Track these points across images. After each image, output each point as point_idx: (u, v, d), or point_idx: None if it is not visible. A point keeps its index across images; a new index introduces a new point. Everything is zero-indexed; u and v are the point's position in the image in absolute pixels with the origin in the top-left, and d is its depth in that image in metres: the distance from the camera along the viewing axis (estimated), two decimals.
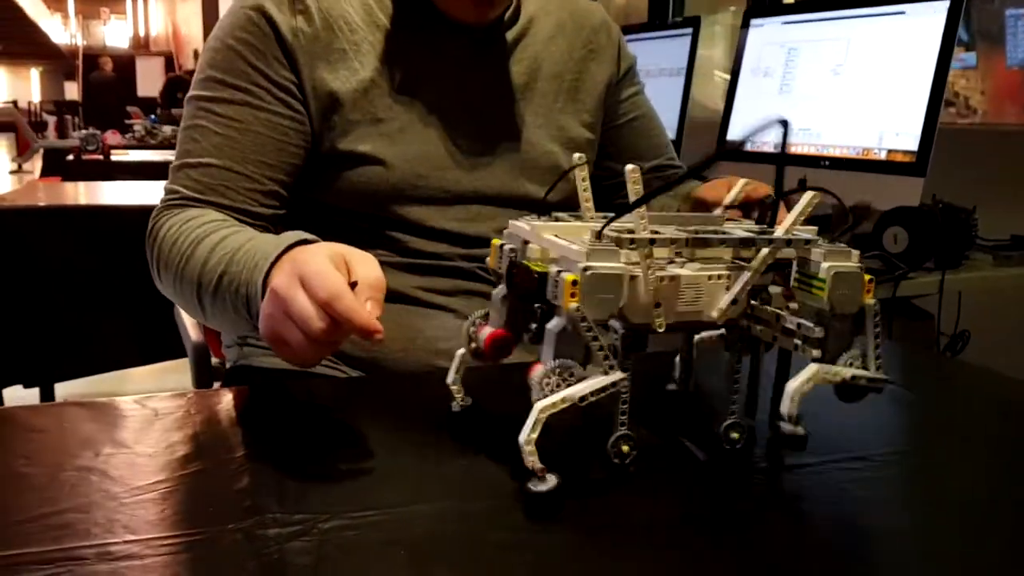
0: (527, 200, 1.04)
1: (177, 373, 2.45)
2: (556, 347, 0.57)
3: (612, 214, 0.58)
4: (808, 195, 0.62)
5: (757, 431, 0.68)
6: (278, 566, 0.49)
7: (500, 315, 0.64)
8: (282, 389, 0.85)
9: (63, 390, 2.77)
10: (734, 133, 1.84)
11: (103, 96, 15.47)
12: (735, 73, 1.85)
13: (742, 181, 0.82)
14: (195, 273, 0.86)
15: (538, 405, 0.55)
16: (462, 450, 0.66)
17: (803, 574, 0.52)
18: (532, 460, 0.55)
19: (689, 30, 2.04)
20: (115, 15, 25.76)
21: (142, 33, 25.10)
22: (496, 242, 0.66)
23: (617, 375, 0.57)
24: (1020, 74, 2.07)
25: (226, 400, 0.78)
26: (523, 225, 0.64)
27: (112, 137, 4.06)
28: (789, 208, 0.64)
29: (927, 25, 1.48)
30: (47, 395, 2.55)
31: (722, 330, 0.65)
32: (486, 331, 0.64)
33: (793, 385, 0.61)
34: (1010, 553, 0.55)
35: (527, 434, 0.55)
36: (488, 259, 0.67)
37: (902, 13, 1.54)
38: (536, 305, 0.59)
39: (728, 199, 0.79)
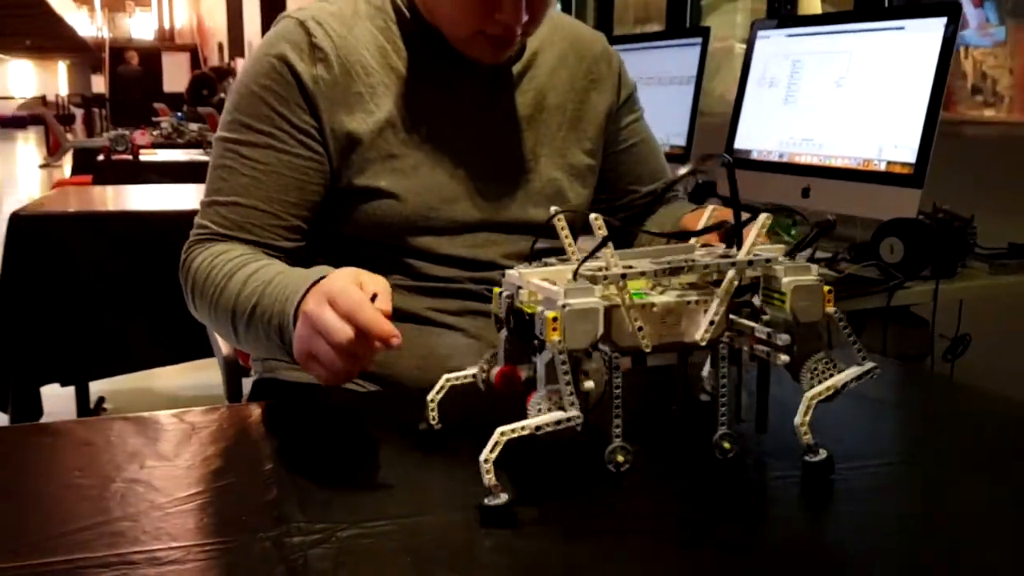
0: (531, 226, 1.12)
1: (203, 371, 2.55)
2: (546, 376, 0.64)
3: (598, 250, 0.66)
4: (762, 217, 0.70)
5: (744, 438, 0.75)
6: (302, 571, 0.56)
7: (506, 353, 0.72)
8: (305, 402, 0.93)
9: (97, 386, 2.88)
10: (741, 141, 1.89)
11: (130, 90, 15.66)
12: (742, 82, 1.91)
13: (710, 208, 0.88)
14: (230, 304, 0.94)
15: (499, 430, 0.63)
16: (465, 463, 0.73)
17: None
18: (488, 478, 0.63)
19: (699, 40, 2.09)
20: (140, 7, 25.99)
21: (167, 25, 25.32)
22: (496, 291, 0.73)
23: (573, 412, 0.64)
24: None
25: (255, 415, 0.86)
26: (515, 274, 0.71)
27: (141, 137, 4.16)
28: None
29: (925, 40, 1.53)
30: (82, 393, 2.66)
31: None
32: (495, 369, 0.72)
33: (797, 420, 0.69)
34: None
35: (486, 454, 0.63)
36: (495, 289, 0.75)
37: (902, 28, 1.59)
38: (534, 341, 0.67)
39: (699, 226, 0.86)
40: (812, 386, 0.70)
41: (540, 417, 0.64)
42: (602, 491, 0.68)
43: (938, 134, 1.50)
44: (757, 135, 1.86)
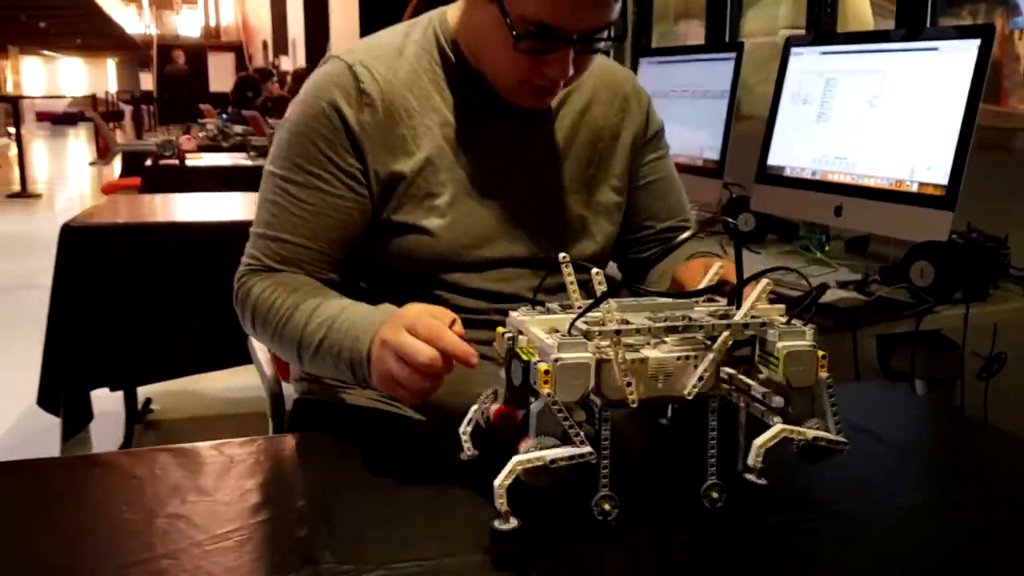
0: (555, 262, 1.14)
1: (244, 373, 2.62)
2: (537, 425, 0.68)
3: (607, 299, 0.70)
4: (763, 282, 0.72)
5: (734, 487, 0.77)
6: None
7: (505, 393, 0.75)
8: (340, 429, 0.97)
9: (144, 388, 2.97)
10: (775, 157, 1.90)
11: (176, 88, 15.96)
12: (776, 99, 1.91)
13: (717, 264, 0.90)
14: (295, 336, 1.02)
15: (515, 458, 0.67)
16: (485, 503, 0.76)
17: None
18: (501, 503, 0.67)
19: (733, 54, 2.10)
20: (187, 5, 26.40)
21: (213, 23, 25.68)
22: (500, 330, 0.77)
23: (586, 448, 0.68)
24: None
25: (289, 447, 0.90)
26: (518, 317, 0.74)
27: (187, 143, 4.26)
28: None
29: (959, 62, 1.53)
30: (130, 396, 2.75)
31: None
32: (494, 406, 0.75)
33: (759, 440, 0.70)
34: None
35: (501, 480, 0.67)
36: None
37: (935, 49, 1.59)
38: (530, 387, 0.70)
39: (703, 284, 0.88)
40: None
41: (555, 450, 0.67)
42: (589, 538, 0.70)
43: (977, 145, 1.49)
44: (790, 152, 1.86)
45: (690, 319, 0.73)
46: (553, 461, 0.67)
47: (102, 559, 0.67)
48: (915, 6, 2.35)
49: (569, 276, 0.75)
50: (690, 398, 0.72)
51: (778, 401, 0.69)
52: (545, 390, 0.67)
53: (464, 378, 1.09)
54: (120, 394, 2.69)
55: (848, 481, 0.83)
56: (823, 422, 0.73)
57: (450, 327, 0.85)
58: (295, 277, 1.08)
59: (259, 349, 1.54)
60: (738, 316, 0.73)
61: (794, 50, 1.89)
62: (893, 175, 1.63)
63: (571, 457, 0.68)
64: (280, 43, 15.67)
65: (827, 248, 1.89)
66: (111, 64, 28.80)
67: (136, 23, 23.77)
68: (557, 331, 0.71)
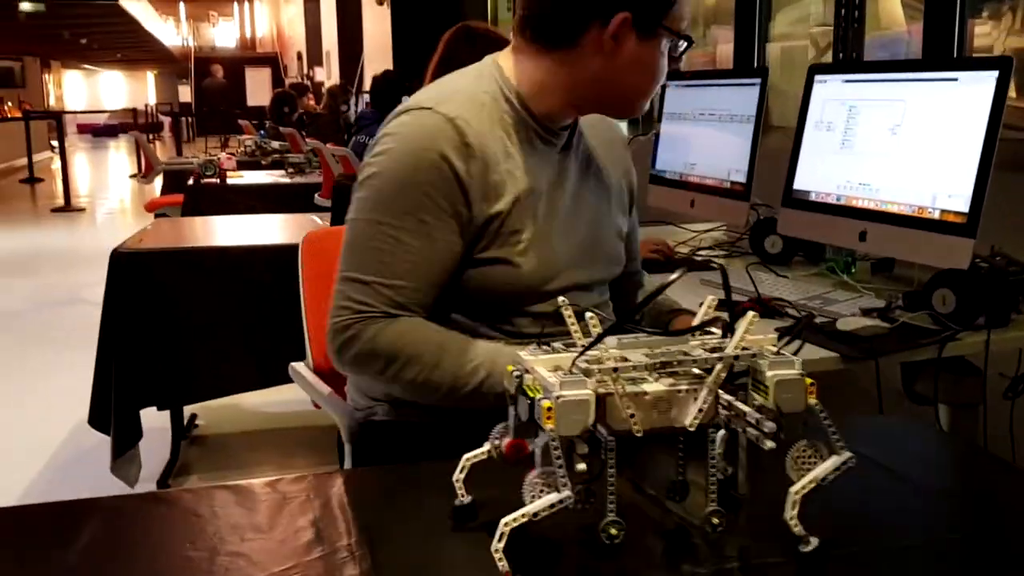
0: (600, 284, 1.32)
1: (283, 391, 2.71)
2: (542, 458, 0.74)
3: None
4: (749, 315, 0.78)
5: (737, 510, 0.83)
6: None
7: (515, 427, 0.82)
8: (388, 464, 1.04)
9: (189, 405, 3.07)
10: (800, 182, 1.94)
11: (214, 101, 16.26)
12: (800, 125, 1.95)
13: (709, 299, 0.95)
14: (446, 376, 1.17)
15: (502, 520, 0.73)
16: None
17: None
18: (502, 565, 0.73)
19: (758, 80, 2.14)
20: (223, 17, 26.80)
21: (248, 35, 26.05)
22: (509, 368, 0.82)
23: (565, 493, 0.73)
24: None
25: (337, 485, 0.97)
26: (525, 356, 0.80)
27: (227, 162, 4.38)
28: None
29: (978, 93, 1.57)
30: (176, 414, 2.84)
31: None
32: (506, 440, 0.82)
33: (787, 515, 0.77)
34: None
35: (495, 544, 0.73)
36: None
37: (955, 80, 1.62)
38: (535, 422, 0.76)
39: (697, 320, 0.93)
40: (797, 474, 0.78)
41: (535, 504, 0.74)
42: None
43: (1008, 166, 1.52)
44: (815, 177, 1.90)
45: (685, 353, 0.79)
46: (536, 514, 0.73)
47: None
48: (943, 8, 2.39)
49: (570, 318, 0.82)
50: (691, 429, 0.78)
51: (770, 426, 0.75)
52: (548, 425, 0.73)
53: None
54: (166, 411, 2.79)
55: (857, 516, 0.88)
56: (812, 444, 0.79)
57: None
58: (417, 320, 1.19)
59: (306, 374, 1.61)
60: (729, 348, 0.79)
61: (817, 77, 1.93)
62: (915, 202, 1.67)
63: (552, 505, 0.74)
64: (314, 55, 15.89)
65: (853, 270, 1.93)
66: (150, 76, 29.33)
67: (174, 36, 24.20)
68: (560, 368, 0.78)
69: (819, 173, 1.90)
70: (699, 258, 2.17)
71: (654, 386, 0.77)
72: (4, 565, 0.80)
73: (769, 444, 0.76)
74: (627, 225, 1.40)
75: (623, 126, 1.51)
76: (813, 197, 1.90)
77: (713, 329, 0.86)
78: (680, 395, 0.78)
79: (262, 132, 6.74)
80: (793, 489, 0.77)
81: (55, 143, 12.99)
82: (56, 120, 12.27)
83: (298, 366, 1.68)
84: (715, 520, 0.80)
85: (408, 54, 7.14)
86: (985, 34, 2.53)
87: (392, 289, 1.18)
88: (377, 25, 9.06)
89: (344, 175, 3.17)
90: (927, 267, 1.69)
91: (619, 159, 1.40)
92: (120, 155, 18.64)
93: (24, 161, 12.70)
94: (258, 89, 16.26)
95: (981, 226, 1.54)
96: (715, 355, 0.79)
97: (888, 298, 1.63)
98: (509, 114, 1.24)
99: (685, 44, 1.25)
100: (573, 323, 0.82)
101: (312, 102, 8.48)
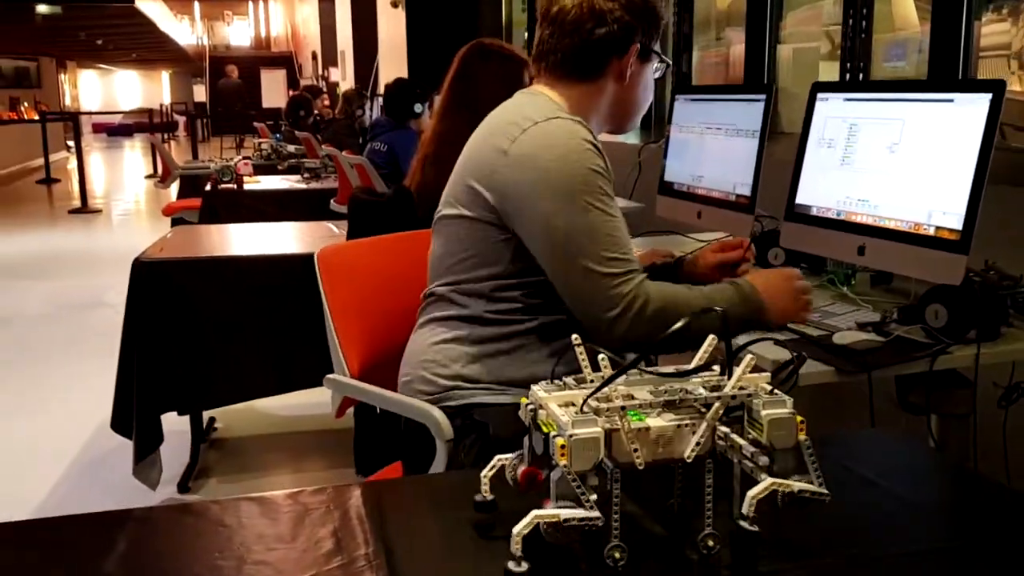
0: None
1: (301, 394, 2.79)
2: (557, 491, 0.80)
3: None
4: (747, 359, 0.84)
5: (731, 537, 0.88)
6: None
7: (529, 456, 0.88)
8: (409, 476, 1.10)
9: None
10: (802, 196, 2.00)
11: (230, 101, 16.39)
12: (802, 141, 2.01)
13: (711, 338, 1.00)
14: (701, 302, 1.44)
15: (533, 512, 0.80)
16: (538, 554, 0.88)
17: None
18: (516, 548, 0.79)
19: (763, 96, 2.19)
20: (237, 16, 26.94)
21: (263, 34, 26.18)
22: (524, 400, 0.88)
23: (595, 513, 0.80)
24: None
25: (355, 496, 1.03)
26: (539, 392, 0.87)
27: (244, 167, 4.45)
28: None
29: (972, 114, 1.62)
30: (196, 417, 2.92)
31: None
32: (521, 468, 0.88)
33: (752, 491, 0.83)
34: None
35: (519, 528, 0.79)
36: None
37: (951, 101, 1.67)
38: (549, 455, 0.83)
39: (695, 363, 0.98)
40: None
41: (569, 510, 0.80)
42: None
43: (1007, 181, 1.56)
44: (816, 192, 1.96)
45: (686, 391, 0.86)
46: (566, 520, 0.80)
47: None
48: (950, 13, 2.44)
49: (581, 355, 0.88)
50: (689, 461, 0.84)
51: (764, 460, 0.81)
52: (562, 461, 0.79)
53: None
54: (186, 416, 2.86)
55: (842, 531, 0.94)
56: (806, 477, 0.84)
57: None
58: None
59: (356, 383, 1.63)
60: (727, 388, 0.85)
61: (820, 95, 1.98)
62: (912, 218, 1.72)
63: (582, 519, 0.80)
64: (329, 55, 15.99)
65: (853, 282, 1.98)
66: (165, 76, 29.51)
67: (188, 35, 24.36)
68: (572, 404, 0.84)
69: (820, 189, 1.95)
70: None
71: (656, 421, 0.84)
72: (55, 572, 0.87)
73: (764, 477, 0.82)
74: None
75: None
76: (814, 212, 1.95)
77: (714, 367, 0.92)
78: (680, 429, 0.84)
79: (277, 135, 6.82)
80: (751, 492, 0.82)
81: (71, 143, 13.11)
82: (72, 121, 12.40)
83: (339, 378, 1.66)
84: (710, 543, 0.86)
85: (423, 57, 7.21)
86: (1004, 31, 2.57)
87: (630, 253, 1.42)
88: (392, 27, 9.11)
89: (361, 188, 3.23)
90: (925, 284, 1.75)
91: None
92: (135, 155, 18.79)
93: (40, 161, 12.84)
94: (273, 90, 16.37)
95: (976, 240, 1.59)
96: (714, 394, 0.85)
97: (884, 312, 1.68)
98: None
99: (666, 65, 1.61)
100: (584, 359, 0.88)
101: (327, 104, 8.56)
